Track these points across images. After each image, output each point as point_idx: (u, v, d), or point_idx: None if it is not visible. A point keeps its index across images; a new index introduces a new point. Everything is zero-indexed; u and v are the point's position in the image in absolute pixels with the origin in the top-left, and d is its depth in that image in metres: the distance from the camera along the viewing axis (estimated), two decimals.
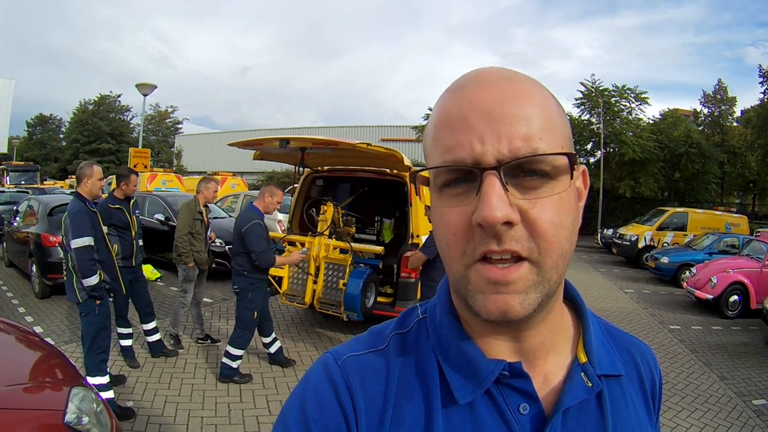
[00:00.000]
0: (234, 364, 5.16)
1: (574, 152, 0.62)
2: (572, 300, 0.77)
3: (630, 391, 0.75)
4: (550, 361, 0.69)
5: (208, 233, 6.32)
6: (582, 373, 0.69)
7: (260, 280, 5.23)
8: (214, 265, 9.69)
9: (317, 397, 0.67)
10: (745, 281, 9.63)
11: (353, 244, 6.26)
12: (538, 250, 0.58)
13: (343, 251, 6.16)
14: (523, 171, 0.58)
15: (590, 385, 0.68)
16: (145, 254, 6.00)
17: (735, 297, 9.64)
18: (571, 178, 0.61)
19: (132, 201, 5.56)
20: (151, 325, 5.61)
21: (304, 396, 0.69)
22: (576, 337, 0.73)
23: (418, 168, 0.66)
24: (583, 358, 0.70)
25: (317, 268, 6.29)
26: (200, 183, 6.23)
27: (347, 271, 5.98)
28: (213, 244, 6.63)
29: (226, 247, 9.80)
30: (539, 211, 0.58)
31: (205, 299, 6.86)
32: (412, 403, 0.67)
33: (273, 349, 5.69)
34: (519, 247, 0.57)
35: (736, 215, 17.80)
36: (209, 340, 6.22)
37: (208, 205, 6.27)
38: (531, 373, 0.66)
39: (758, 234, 11.99)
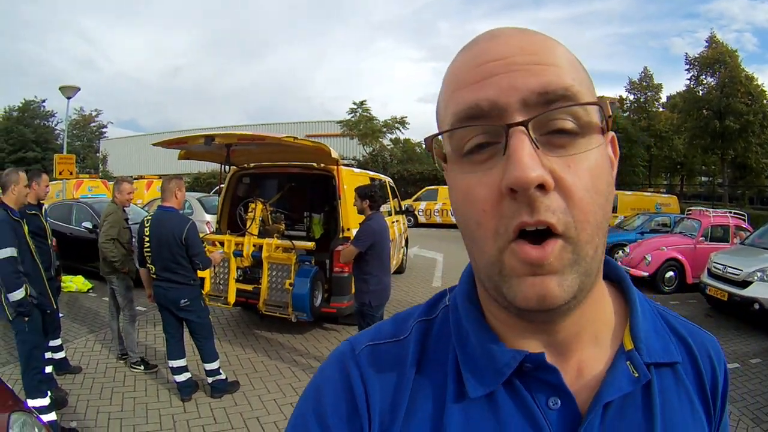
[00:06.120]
0: (222, 376, 4.92)
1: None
2: (617, 279, 0.70)
3: (686, 384, 0.65)
4: (586, 351, 0.62)
5: (133, 241, 5.74)
6: (627, 362, 0.61)
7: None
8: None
9: (333, 387, 0.65)
10: (680, 258, 10.03)
11: (284, 242, 6.13)
12: (573, 223, 0.51)
13: (286, 250, 6.01)
14: (554, 129, 0.52)
15: (636, 375, 0.60)
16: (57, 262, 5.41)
17: (671, 273, 10.04)
18: (604, 134, 0.56)
19: (43, 207, 5.24)
20: (57, 342, 5.23)
21: (320, 386, 0.67)
22: (621, 322, 0.65)
23: (434, 133, 0.59)
24: (629, 345, 0.62)
25: (249, 269, 6.23)
26: (114, 187, 5.77)
27: (293, 270, 5.83)
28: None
29: None
30: (574, 176, 0.51)
31: (138, 308, 6.47)
32: (425, 395, 0.63)
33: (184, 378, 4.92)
34: (555, 220, 0.50)
35: (666, 195, 18.58)
36: (144, 366, 5.47)
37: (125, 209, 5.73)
38: (563, 365, 0.60)
39: (690, 212, 12.43)
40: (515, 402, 0.59)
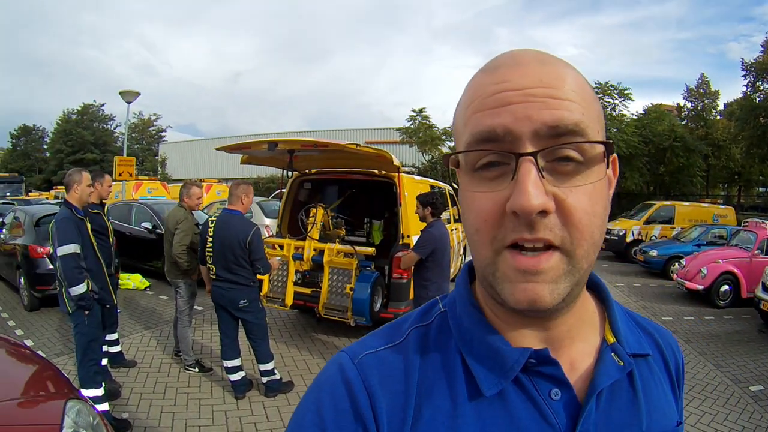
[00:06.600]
0: (277, 376, 5.02)
1: (611, 141, 0.61)
2: (595, 287, 0.76)
3: (657, 371, 0.75)
4: (575, 347, 0.68)
5: None
6: (612, 353, 0.68)
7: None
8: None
9: (333, 400, 0.65)
10: (735, 271, 9.72)
11: (345, 247, 6.18)
12: (570, 239, 0.57)
13: (347, 255, 6.06)
14: (560, 156, 0.57)
15: (622, 363, 0.68)
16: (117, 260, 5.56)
17: (725, 287, 9.73)
18: (607, 167, 0.61)
19: (105, 206, 5.47)
20: (114, 336, 5.43)
21: (320, 399, 0.66)
22: (601, 322, 0.73)
23: (452, 152, 0.64)
24: (611, 339, 0.70)
25: (307, 272, 6.29)
26: (182, 191, 5.66)
27: (353, 275, 5.86)
28: None
29: None
30: (574, 200, 0.57)
31: (195, 306, 6.63)
32: (432, 399, 0.65)
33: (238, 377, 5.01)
34: (552, 236, 0.56)
35: (723, 207, 17.95)
36: (198, 369, 5.53)
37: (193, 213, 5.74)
38: (558, 359, 0.65)
39: (746, 224, 12.04)
40: (523, 395, 0.64)
